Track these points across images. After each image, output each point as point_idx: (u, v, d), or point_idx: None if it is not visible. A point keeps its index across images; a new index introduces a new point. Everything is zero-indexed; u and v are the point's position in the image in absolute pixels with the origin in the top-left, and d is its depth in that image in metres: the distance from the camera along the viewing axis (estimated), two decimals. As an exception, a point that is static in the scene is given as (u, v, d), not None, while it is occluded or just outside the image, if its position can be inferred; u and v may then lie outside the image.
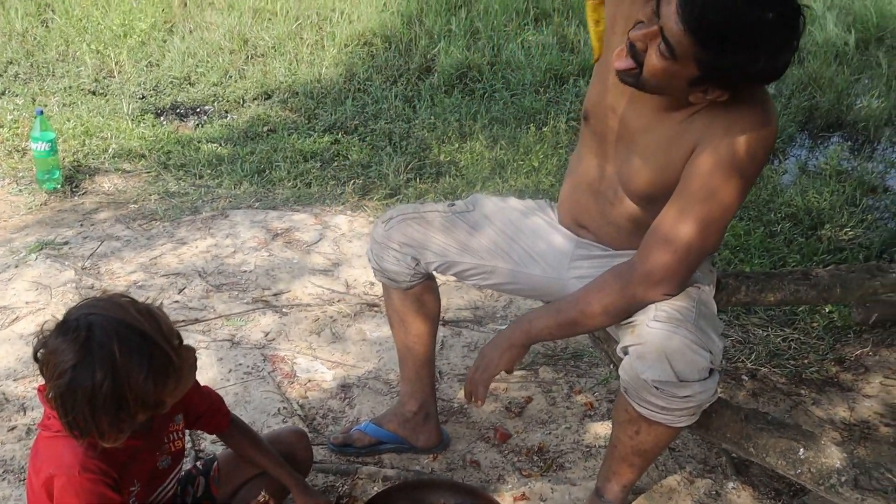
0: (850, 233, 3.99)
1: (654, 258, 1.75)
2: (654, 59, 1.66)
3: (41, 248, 3.59)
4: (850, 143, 5.57)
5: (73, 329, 1.55)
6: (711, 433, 1.98)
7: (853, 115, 5.78)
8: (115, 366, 1.53)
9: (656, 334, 1.75)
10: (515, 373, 2.86)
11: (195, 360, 1.72)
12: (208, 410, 1.95)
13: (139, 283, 3.35)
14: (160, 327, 1.61)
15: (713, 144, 1.73)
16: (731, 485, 2.33)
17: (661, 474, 2.38)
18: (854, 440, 2.55)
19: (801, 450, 1.87)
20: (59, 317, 1.61)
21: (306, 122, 5.37)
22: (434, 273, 2.31)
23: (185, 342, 1.68)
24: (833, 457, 1.86)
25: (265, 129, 5.25)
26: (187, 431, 2.02)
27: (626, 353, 1.82)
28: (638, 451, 1.93)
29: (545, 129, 4.96)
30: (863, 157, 5.21)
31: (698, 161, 1.75)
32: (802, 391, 2.80)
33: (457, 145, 4.84)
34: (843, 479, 1.82)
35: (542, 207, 2.28)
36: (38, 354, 1.59)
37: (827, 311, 3.28)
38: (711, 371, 1.78)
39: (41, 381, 2.62)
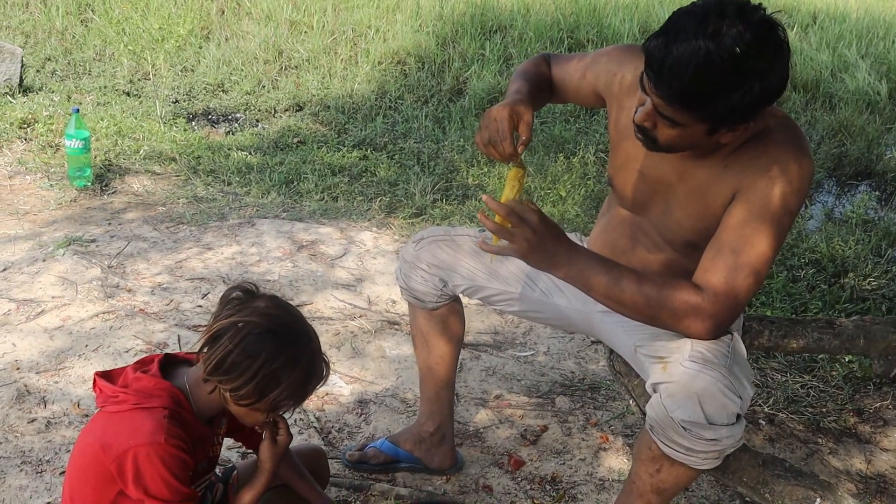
0: (874, 283, 3.97)
1: (686, 296, 1.75)
2: (665, 132, 1.71)
3: (69, 244, 3.63)
4: (878, 192, 5.55)
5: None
6: (728, 476, 1.97)
7: (882, 165, 5.77)
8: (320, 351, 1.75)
9: (689, 374, 1.74)
10: (531, 400, 2.86)
11: None
12: None
13: (164, 286, 3.38)
14: None
15: (751, 190, 1.73)
16: (743, 529, 2.33)
17: (673, 513, 2.37)
18: (870, 493, 2.53)
19: (818, 500, 1.86)
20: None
21: (336, 136, 5.41)
22: (460, 296, 2.32)
23: None
24: (850, 508, 1.85)
25: (295, 140, 5.30)
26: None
27: (655, 391, 1.82)
28: (657, 489, 1.92)
29: (574, 160, 4.97)
30: (890, 208, 5.20)
31: (736, 209, 1.75)
32: (819, 440, 2.79)
33: (486, 169, 4.87)
34: (859, 531, 1.81)
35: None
36: (234, 294, 1.72)
37: (847, 360, 3.26)
38: (739, 417, 1.78)
39: (63, 375, 2.68)
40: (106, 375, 1.74)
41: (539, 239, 1.72)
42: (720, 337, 1.82)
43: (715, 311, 1.75)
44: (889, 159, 5.86)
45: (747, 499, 2.35)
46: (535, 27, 6.92)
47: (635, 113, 1.74)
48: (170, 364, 1.78)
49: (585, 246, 2.25)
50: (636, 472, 1.94)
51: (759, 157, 1.74)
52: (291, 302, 3.27)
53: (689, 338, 1.81)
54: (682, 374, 1.75)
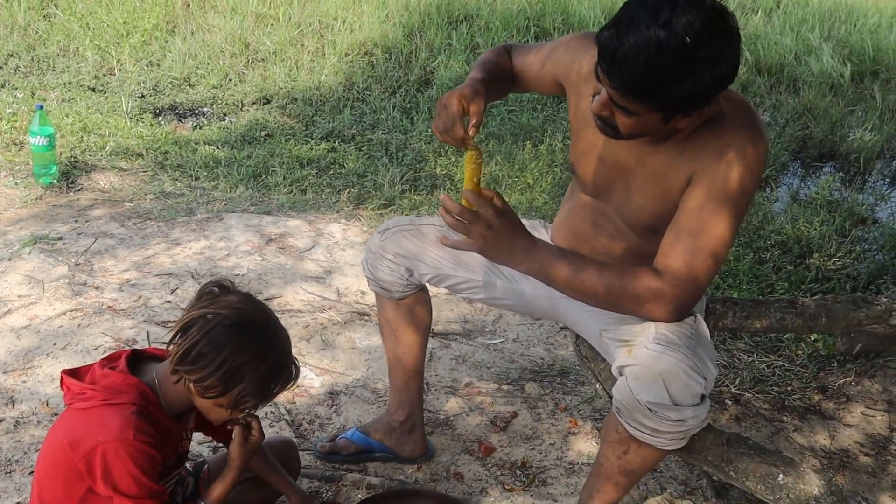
0: (839, 263, 4.03)
1: (646, 282, 1.78)
2: (621, 120, 1.73)
3: (35, 243, 3.60)
4: (841, 173, 5.62)
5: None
6: (693, 455, 2.01)
7: (846, 147, 5.84)
8: (290, 352, 1.77)
9: (654, 356, 1.77)
10: (501, 387, 2.88)
11: None
12: None
13: (132, 282, 3.37)
14: None
15: (707, 173, 1.76)
16: (710, 507, 2.37)
17: (642, 494, 2.40)
18: (833, 468, 2.58)
19: (781, 475, 1.90)
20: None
21: (304, 128, 5.40)
22: (427, 285, 2.34)
23: None
24: (811, 483, 1.89)
25: (263, 133, 5.28)
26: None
27: (620, 374, 1.85)
28: (624, 471, 1.95)
29: (541, 147, 5.00)
30: (854, 189, 5.26)
31: (693, 193, 1.78)
32: (785, 418, 2.83)
33: (453, 158, 4.88)
34: (820, 506, 1.85)
35: (536, 227, 2.31)
36: (209, 288, 1.74)
37: (812, 339, 3.31)
38: (703, 397, 1.81)
39: (31, 374, 2.66)
40: (73, 373, 1.73)
41: (494, 234, 1.75)
42: (683, 319, 1.85)
43: (676, 295, 1.78)
44: (852, 141, 5.94)
45: (714, 478, 2.39)
46: (501, 16, 6.94)
47: (592, 102, 1.76)
48: (138, 360, 1.78)
49: (549, 233, 2.27)
50: (604, 455, 1.97)
51: (715, 140, 1.77)
52: (260, 296, 3.29)
53: (653, 321, 1.84)
54: (647, 356, 1.78)
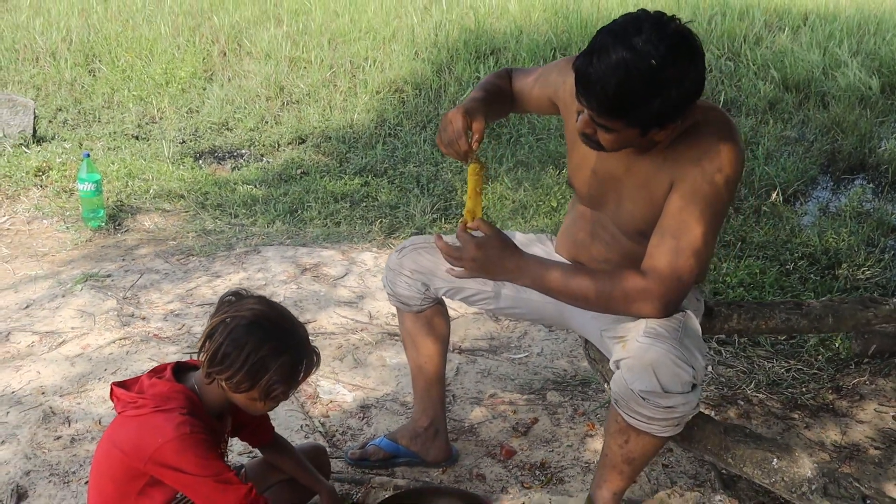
0: (868, 272, 4.05)
1: (634, 282, 1.94)
2: (604, 137, 1.90)
3: (86, 280, 3.84)
4: (872, 185, 5.63)
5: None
6: (694, 445, 2.13)
7: (876, 158, 5.81)
8: (308, 341, 1.93)
9: (643, 348, 1.93)
10: (524, 397, 3.02)
11: None
12: (254, 423, 2.15)
13: (176, 312, 3.58)
14: None
15: (685, 179, 1.92)
16: (718, 498, 2.47)
17: (653, 487, 2.52)
18: (841, 459, 2.67)
19: (775, 460, 2.02)
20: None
21: (338, 165, 5.62)
22: (444, 298, 2.50)
23: None
24: (805, 467, 2.00)
25: (298, 171, 5.51)
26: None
27: (617, 367, 1.99)
28: (627, 459, 2.09)
29: (565, 172, 5.13)
30: (884, 199, 5.27)
31: (673, 197, 1.95)
32: (796, 416, 2.93)
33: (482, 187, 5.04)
34: (813, 487, 1.96)
35: (542, 240, 2.48)
36: (226, 298, 1.93)
37: (836, 345, 3.37)
38: (694, 386, 1.94)
39: (85, 396, 2.87)
40: (122, 384, 1.93)
41: (483, 260, 2.01)
42: (672, 315, 2.00)
43: (662, 293, 1.93)
44: (882, 152, 5.93)
45: (722, 470, 2.50)
46: (527, 48, 7.13)
47: (576, 120, 1.94)
48: (181, 370, 1.97)
49: (553, 242, 2.44)
50: (608, 445, 2.11)
51: (691, 148, 1.93)
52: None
53: (644, 319, 1.99)
54: (637, 348, 1.93)
